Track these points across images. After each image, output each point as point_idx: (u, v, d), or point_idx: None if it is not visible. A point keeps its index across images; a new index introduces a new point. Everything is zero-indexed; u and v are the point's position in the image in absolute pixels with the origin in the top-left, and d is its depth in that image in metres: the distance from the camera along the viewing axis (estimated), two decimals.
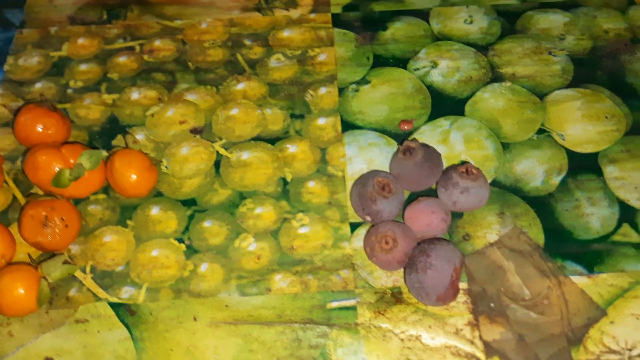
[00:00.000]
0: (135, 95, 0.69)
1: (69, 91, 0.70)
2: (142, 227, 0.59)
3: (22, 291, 0.52)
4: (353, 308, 0.54)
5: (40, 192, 0.60)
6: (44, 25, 0.76)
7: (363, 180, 0.58)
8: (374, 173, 0.58)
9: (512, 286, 0.54)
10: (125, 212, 0.60)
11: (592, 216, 0.58)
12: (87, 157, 0.57)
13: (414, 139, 0.59)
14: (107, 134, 0.66)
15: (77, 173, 0.56)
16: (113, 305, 0.54)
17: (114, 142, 0.65)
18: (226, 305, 0.54)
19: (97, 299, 0.55)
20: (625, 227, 0.58)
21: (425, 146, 0.59)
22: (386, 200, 0.56)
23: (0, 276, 0.52)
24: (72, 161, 0.58)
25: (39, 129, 0.61)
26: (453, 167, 0.58)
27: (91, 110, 0.68)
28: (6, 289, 0.51)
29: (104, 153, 0.59)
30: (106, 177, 0.60)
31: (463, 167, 0.56)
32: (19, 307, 0.52)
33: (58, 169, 0.57)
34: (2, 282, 0.52)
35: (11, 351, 0.52)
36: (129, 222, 0.60)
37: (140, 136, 0.66)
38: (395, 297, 0.54)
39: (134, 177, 0.58)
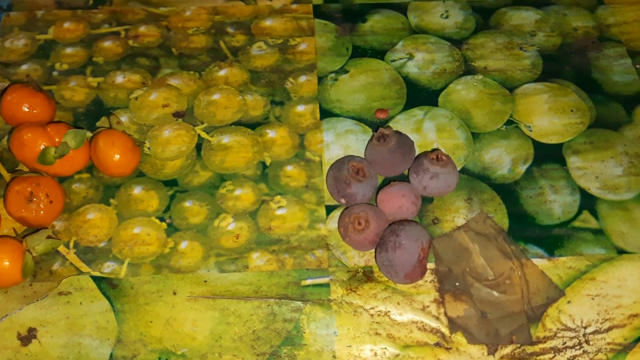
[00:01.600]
0: (119, 79, 0.71)
1: (55, 73, 0.72)
2: (125, 205, 0.61)
3: (7, 263, 0.54)
4: (326, 285, 0.57)
5: (26, 169, 0.62)
6: (30, 9, 0.78)
7: (338, 165, 0.60)
8: (349, 158, 0.61)
9: (476, 267, 0.57)
10: (109, 191, 0.62)
11: (554, 203, 0.62)
12: (72, 136, 0.59)
13: (388, 126, 0.62)
14: (92, 116, 0.68)
15: (62, 151, 0.58)
16: (95, 279, 0.56)
17: (98, 124, 0.67)
18: (205, 281, 0.57)
19: (80, 272, 0.57)
20: (585, 214, 0.61)
21: (398, 133, 0.62)
22: (360, 183, 0.58)
23: None
24: (57, 140, 0.59)
25: (25, 108, 0.63)
26: (424, 154, 0.60)
27: (76, 92, 0.70)
28: None
29: (89, 133, 0.61)
30: (90, 156, 0.62)
31: (433, 154, 0.59)
32: (4, 279, 0.54)
33: (43, 147, 0.59)
34: None
35: None
36: (112, 200, 0.62)
37: (124, 118, 0.68)
38: (366, 276, 0.57)
39: (117, 156, 0.60)
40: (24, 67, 0.72)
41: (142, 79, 0.71)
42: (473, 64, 0.73)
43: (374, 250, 0.58)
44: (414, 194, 0.58)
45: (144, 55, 0.74)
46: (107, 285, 0.56)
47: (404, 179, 0.62)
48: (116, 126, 0.62)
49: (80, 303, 0.55)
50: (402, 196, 0.58)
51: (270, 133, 0.67)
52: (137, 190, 0.63)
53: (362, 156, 0.64)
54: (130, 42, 0.75)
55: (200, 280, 0.57)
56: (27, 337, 0.53)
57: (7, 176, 0.63)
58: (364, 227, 0.55)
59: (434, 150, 0.61)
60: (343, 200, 0.59)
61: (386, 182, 0.61)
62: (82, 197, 0.62)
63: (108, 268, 0.57)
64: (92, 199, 0.62)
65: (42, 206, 0.57)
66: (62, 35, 0.75)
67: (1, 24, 0.76)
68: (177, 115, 0.68)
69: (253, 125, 0.68)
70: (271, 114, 0.69)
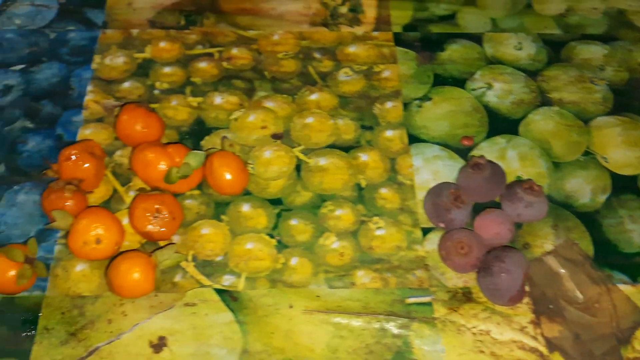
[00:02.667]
0: (218, 99, 0.75)
1: (156, 92, 0.76)
2: (236, 222, 0.66)
3: (137, 276, 0.58)
4: (428, 304, 0.61)
5: (141, 185, 0.66)
6: (125, 27, 0.82)
7: (436, 191, 0.65)
8: (446, 185, 0.65)
9: (567, 291, 0.61)
10: (219, 207, 0.67)
11: (634, 232, 0.67)
12: (193, 157, 0.63)
13: (482, 156, 0.66)
14: (196, 135, 0.72)
15: (185, 171, 0.62)
16: (218, 291, 0.61)
17: (202, 143, 0.71)
18: (317, 296, 0.61)
19: (201, 285, 0.61)
20: None
21: (491, 163, 0.66)
22: (459, 210, 0.63)
23: (119, 262, 0.58)
24: (177, 160, 0.63)
25: (139, 127, 0.67)
26: (516, 183, 0.65)
27: (178, 111, 0.74)
28: (125, 273, 0.57)
29: (205, 154, 0.65)
30: (204, 175, 0.66)
31: (527, 184, 0.64)
32: (135, 290, 0.58)
33: (163, 166, 0.63)
34: (121, 267, 0.58)
35: (127, 328, 0.58)
36: (223, 217, 0.66)
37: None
38: (465, 296, 0.62)
39: (230, 177, 0.65)
40: (126, 84, 0.76)
41: (239, 100, 0.75)
42: (549, 95, 0.78)
43: (471, 272, 0.62)
44: (510, 221, 0.63)
45: (239, 77, 0.78)
46: (228, 298, 0.60)
47: (493, 205, 0.67)
48: (228, 148, 0.66)
49: (206, 314, 0.59)
50: (500, 223, 0.62)
51: (363, 156, 0.72)
52: (245, 208, 0.67)
53: (451, 181, 0.69)
54: (224, 64, 0.79)
55: (313, 295, 0.61)
56: (159, 345, 0.57)
57: (121, 190, 0.67)
58: (467, 252, 0.60)
59: (523, 179, 0.66)
60: (442, 225, 0.64)
61: (478, 209, 0.65)
62: (195, 213, 0.66)
63: (227, 281, 0.62)
64: (205, 215, 0.66)
65: (166, 222, 0.61)
66: (158, 55, 0.79)
67: (99, 41, 0.80)
68: (275, 137, 0.73)
69: (346, 148, 0.72)
70: (362, 138, 0.73)
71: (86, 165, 0.63)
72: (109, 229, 0.60)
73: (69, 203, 0.61)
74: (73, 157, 0.63)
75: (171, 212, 0.62)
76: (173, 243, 0.62)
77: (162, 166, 0.63)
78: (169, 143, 0.67)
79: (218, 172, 0.64)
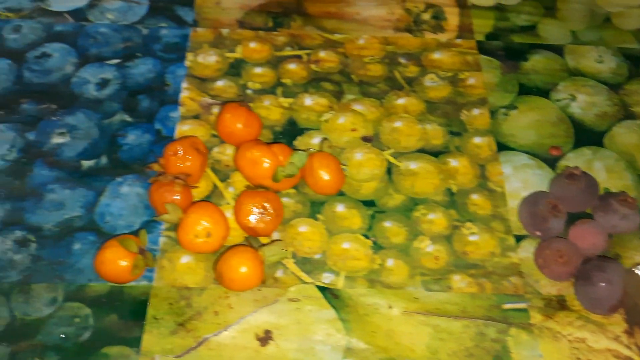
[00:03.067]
0: (308, 101, 0.77)
1: (248, 91, 0.77)
2: (331, 221, 0.67)
3: (247, 270, 0.59)
4: (524, 310, 0.62)
5: (240, 181, 0.68)
6: (215, 26, 0.83)
7: (532, 200, 0.66)
8: (542, 194, 0.67)
9: None
10: (315, 207, 0.68)
11: None
12: (297, 157, 0.65)
13: (577, 167, 0.67)
14: (289, 135, 0.74)
15: (291, 171, 0.64)
16: (320, 288, 0.62)
17: (295, 143, 0.73)
18: (415, 298, 0.63)
19: (303, 281, 0.63)
20: None
21: (585, 173, 0.67)
22: (556, 219, 0.64)
23: (230, 256, 0.60)
24: (281, 158, 0.65)
25: (241, 126, 0.69)
26: (610, 195, 0.66)
27: (271, 111, 0.76)
28: (236, 267, 0.59)
29: (307, 154, 0.67)
30: (302, 175, 0.67)
31: (622, 196, 0.65)
32: (242, 284, 0.60)
33: (268, 165, 0.65)
34: (232, 261, 0.59)
35: (234, 321, 0.60)
36: (318, 216, 0.68)
37: (317, 140, 0.73)
38: (560, 304, 0.63)
39: (328, 177, 0.66)
40: (220, 83, 0.78)
41: (328, 102, 0.77)
42: (632, 109, 0.79)
43: (567, 281, 0.63)
44: (605, 232, 0.64)
45: (327, 80, 0.79)
46: (330, 295, 0.62)
47: (584, 215, 0.68)
48: (327, 149, 0.68)
49: (309, 310, 0.61)
50: (597, 234, 0.63)
51: (453, 162, 0.73)
52: (340, 208, 0.68)
53: (540, 190, 0.70)
54: (313, 66, 0.80)
55: (411, 296, 0.63)
56: (265, 338, 0.59)
57: (221, 186, 0.69)
58: (565, 261, 0.61)
59: (621, 192, 0.67)
60: (538, 233, 0.65)
61: (571, 218, 0.66)
62: (291, 211, 0.68)
63: (327, 279, 0.63)
64: (301, 213, 0.68)
65: (270, 219, 0.63)
66: (249, 55, 0.81)
67: (191, 39, 0.82)
68: (365, 139, 0.74)
69: (435, 153, 0.73)
70: (450, 143, 0.74)
71: (192, 160, 0.65)
72: (217, 224, 0.61)
73: (177, 197, 0.63)
74: (180, 152, 0.65)
75: (276, 210, 0.63)
76: (279, 240, 0.63)
77: (267, 164, 0.64)
78: (271, 142, 0.68)
79: (317, 172, 0.66)
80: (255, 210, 0.62)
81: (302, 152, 0.65)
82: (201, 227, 0.61)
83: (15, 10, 0.82)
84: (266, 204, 0.62)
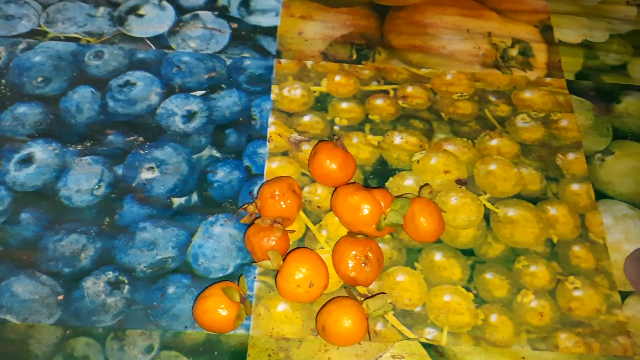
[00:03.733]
0: (398, 139, 0.75)
1: (336, 128, 0.75)
2: (430, 271, 0.65)
3: (350, 324, 0.57)
4: None
5: (332, 223, 0.65)
6: (298, 58, 0.81)
7: (638, 255, 0.63)
8: None
9: None
10: (411, 254, 0.66)
11: None
12: (401, 204, 0.62)
13: None
14: (380, 175, 0.71)
15: (396, 219, 0.61)
16: (424, 345, 0.60)
17: (387, 184, 0.70)
18: (523, 358, 0.60)
19: (404, 337, 0.60)
20: None
21: None
22: None
23: (334, 309, 0.57)
24: (382, 204, 0.63)
25: (335, 167, 0.66)
26: None
27: (360, 149, 0.73)
28: (339, 321, 0.57)
29: (410, 200, 0.64)
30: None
31: None
32: (348, 338, 0.57)
33: (367, 211, 0.62)
34: (335, 315, 0.57)
35: None
36: (416, 264, 0.65)
37: (410, 181, 0.71)
38: None
39: (430, 225, 0.64)
40: (306, 118, 0.75)
41: (418, 141, 0.74)
42: None
43: None
44: None
45: (416, 117, 0.77)
46: (435, 353, 0.59)
47: None
48: (427, 195, 0.66)
49: None
50: None
51: (552, 210, 0.70)
52: (438, 257, 0.66)
53: None
54: (400, 102, 0.78)
55: (518, 356, 0.60)
56: None
57: (314, 229, 0.66)
58: None
59: None
60: None
61: None
62: (387, 258, 0.65)
63: (429, 334, 0.61)
64: (397, 261, 0.65)
65: (373, 269, 0.60)
66: (334, 89, 0.79)
67: (275, 71, 0.80)
68: (459, 182, 0.72)
69: (533, 200, 0.71)
70: (548, 189, 0.72)
71: (289, 204, 0.63)
72: (319, 274, 0.59)
73: (276, 242, 0.60)
74: (277, 195, 0.63)
75: (378, 259, 0.61)
76: (383, 293, 0.61)
77: (368, 211, 0.62)
78: (371, 187, 0.66)
79: (419, 219, 0.64)
80: (358, 260, 0.60)
81: (405, 198, 0.63)
82: (303, 276, 0.58)
83: (97, 35, 0.81)
84: (369, 254, 0.60)
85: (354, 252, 0.60)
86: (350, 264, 0.60)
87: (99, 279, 0.61)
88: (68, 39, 0.80)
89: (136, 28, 0.82)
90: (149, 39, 0.81)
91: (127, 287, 0.61)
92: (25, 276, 0.61)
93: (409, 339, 0.60)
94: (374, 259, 0.60)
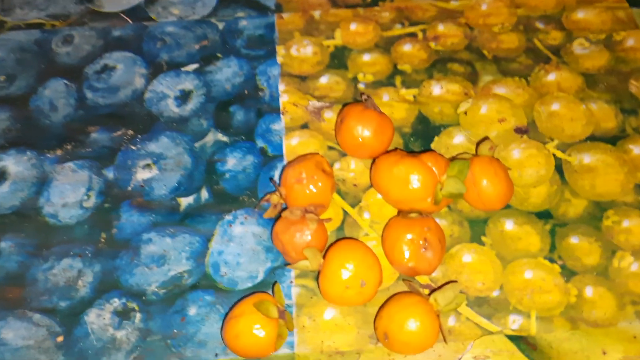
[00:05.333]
0: (436, 89, 0.62)
1: (361, 86, 0.63)
2: (501, 244, 0.53)
3: (418, 328, 0.45)
4: None
5: (377, 204, 0.53)
6: (303, 9, 0.68)
7: None
8: None
9: None
10: (475, 226, 0.54)
11: None
12: (458, 168, 0.50)
13: None
14: (422, 136, 0.59)
15: (456, 188, 0.49)
16: (511, 338, 0.48)
17: (432, 146, 0.58)
18: (634, 337, 0.48)
19: (484, 331, 0.49)
20: None
21: None
22: None
23: (396, 311, 0.46)
24: (435, 171, 0.50)
25: (367, 133, 0.54)
26: None
27: (394, 108, 0.61)
28: (404, 326, 0.45)
29: (469, 162, 0.52)
30: None
31: None
32: (416, 346, 0.46)
33: (418, 183, 0.50)
34: (399, 318, 0.46)
35: None
36: (483, 238, 0.53)
37: (460, 138, 0.59)
38: None
39: (496, 189, 0.52)
40: (323, 80, 0.63)
41: (462, 88, 0.62)
42: None
43: None
44: None
45: (454, 60, 0.64)
46: (526, 346, 0.48)
47: None
48: (488, 152, 0.53)
49: None
50: None
51: (635, 149, 0.57)
52: (508, 226, 0.54)
53: None
54: (432, 44, 0.65)
55: (628, 335, 0.48)
56: None
57: (353, 213, 0.54)
58: None
59: None
60: None
61: None
62: (448, 236, 0.53)
63: (514, 324, 0.49)
64: (460, 238, 0.53)
65: (435, 253, 0.48)
66: (352, 40, 0.66)
67: (277, 29, 0.67)
68: (519, 131, 0.59)
69: (610, 140, 0.58)
70: (627, 125, 0.59)
71: (321, 187, 0.51)
72: (371, 268, 0.47)
73: (311, 236, 0.49)
74: (304, 178, 0.51)
75: (440, 241, 0.49)
76: (454, 281, 0.49)
77: (417, 183, 0.50)
78: (417, 152, 0.54)
79: (481, 183, 0.51)
80: (415, 245, 0.48)
81: (463, 160, 0.51)
82: (352, 274, 0.47)
83: (62, 17, 0.68)
84: (428, 235, 0.48)
85: (409, 236, 0.48)
86: (407, 251, 0.48)
87: (104, 309, 0.50)
88: (30, 27, 0.67)
89: (107, 2, 0.69)
90: (123, 12, 0.69)
91: (138, 315, 0.50)
92: (14, 318, 0.50)
93: (491, 332, 0.48)
94: (434, 240, 0.48)
